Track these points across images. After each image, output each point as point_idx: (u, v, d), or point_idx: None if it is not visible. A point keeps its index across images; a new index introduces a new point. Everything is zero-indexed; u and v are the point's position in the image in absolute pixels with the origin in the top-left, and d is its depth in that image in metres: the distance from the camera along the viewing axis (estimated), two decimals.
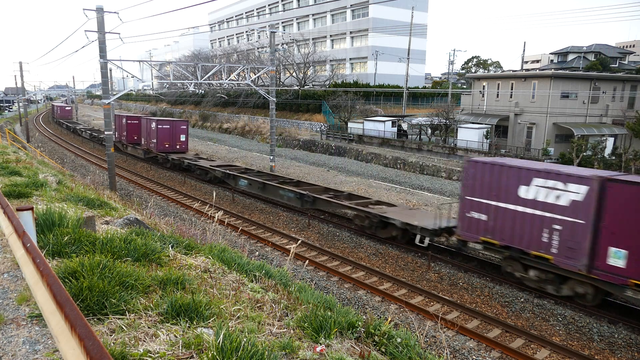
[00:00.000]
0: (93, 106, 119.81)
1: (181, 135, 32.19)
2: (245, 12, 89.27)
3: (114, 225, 7.80)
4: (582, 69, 55.10)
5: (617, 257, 10.61)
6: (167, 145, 31.61)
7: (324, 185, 23.23)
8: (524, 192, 12.34)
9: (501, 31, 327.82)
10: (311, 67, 64.95)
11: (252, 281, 5.88)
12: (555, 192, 11.65)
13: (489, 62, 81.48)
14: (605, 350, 10.38)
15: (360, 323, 4.82)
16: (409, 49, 51.78)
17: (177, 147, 31.98)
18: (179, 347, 3.39)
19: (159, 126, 31.33)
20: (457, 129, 37.07)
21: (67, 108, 76.81)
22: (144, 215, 11.85)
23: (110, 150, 23.08)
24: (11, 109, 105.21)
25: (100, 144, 43.14)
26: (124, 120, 37.43)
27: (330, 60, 72.68)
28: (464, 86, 71.76)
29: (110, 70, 59.43)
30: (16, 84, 64.83)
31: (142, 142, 34.43)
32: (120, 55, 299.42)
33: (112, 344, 3.30)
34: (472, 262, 14.98)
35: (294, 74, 62.21)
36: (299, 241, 11.68)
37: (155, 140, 31.44)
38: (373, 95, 56.45)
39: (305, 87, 60.97)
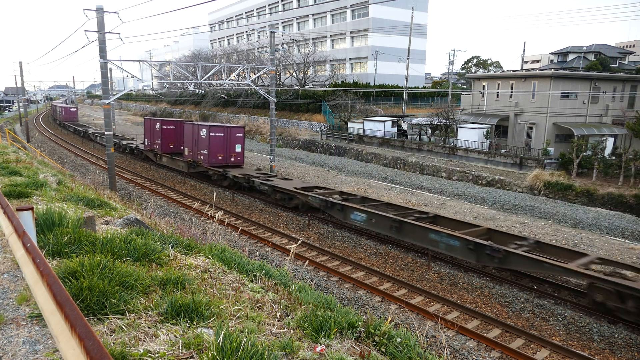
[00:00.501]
0: (93, 106, 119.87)
1: (237, 145, 26.44)
2: (245, 12, 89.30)
3: (114, 225, 7.80)
4: (582, 69, 55.11)
5: None
6: (220, 158, 25.91)
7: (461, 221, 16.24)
8: None
9: (501, 31, 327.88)
10: (311, 67, 64.97)
11: (252, 281, 5.88)
12: None
13: (489, 62, 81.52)
14: (605, 350, 10.37)
15: (360, 323, 4.82)
16: (409, 49, 51.78)
17: (232, 159, 26.36)
18: (179, 347, 3.39)
19: (212, 134, 25.57)
20: (457, 129, 37.08)
21: (72, 109, 69.60)
22: (144, 215, 11.85)
23: (110, 150, 23.09)
24: (11, 109, 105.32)
25: (123, 152, 38.56)
26: (157, 125, 31.30)
27: (330, 60, 72.69)
28: (464, 86, 71.76)
29: (110, 70, 59.39)
30: (16, 84, 64.90)
31: (186, 153, 28.45)
32: (120, 55, 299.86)
33: (112, 344, 3.30)
34: None
35: (294, 74, 62.22)
36: (299, 241, 11.67)
37: (206, 152, 25.76)
38: (373, 95, 56.47)
39: (305, 87, 60.99)
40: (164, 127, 30.94)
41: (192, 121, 30.29)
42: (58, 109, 72.20)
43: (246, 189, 24.13)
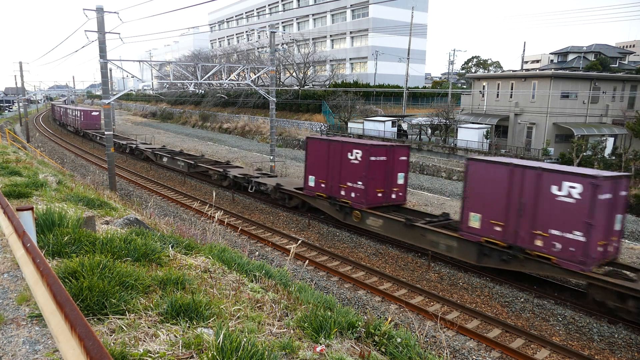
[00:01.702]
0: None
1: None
2: (245, 12, 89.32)
3: (114, 225, 7.80)
4: (582, 69, 55.11)
5: None
6: (600, 250, 11.65)
7: None
8: None
9: (501, 31, 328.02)
10: (311, 67, 64.97)
11: (252, 281, 5.88)
12: None
13: (489, 62, 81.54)
14: (605, 350, 10.38)
15: (360, 323, 4.82)
16: (409, 49, 51.78)
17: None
18: (179, 347, 3.39)
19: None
20: (457, 129, 37.08)
21: (94, 113, 50.34)
22: (144, 215, 11.85)
23: (110, 150, 23.09)
24: (11, 109, 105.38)
25: (231, 187, 24.46)
26: (356, 155, 16.96)
27: (330, 60, 72.68)
28: (464, 86, 71.77)
29: (110, 70, 59.35)
30: (16, 84, 64.89)
31: (476, 225, 13.50)
32: (120, 55, 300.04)
33: (112, 344, 3.30)
34: None
35: (294, 74, 62.23)
36: (299, 241, 11.67)
37: (582, 237, 11.18)
38: (373, 95, 56.48)
39: (305, 87, 60.99)
40: (372, 158, 16.61)
41: (500, 160, 14.76)
42: (72, 112, 52.29)
43: None
